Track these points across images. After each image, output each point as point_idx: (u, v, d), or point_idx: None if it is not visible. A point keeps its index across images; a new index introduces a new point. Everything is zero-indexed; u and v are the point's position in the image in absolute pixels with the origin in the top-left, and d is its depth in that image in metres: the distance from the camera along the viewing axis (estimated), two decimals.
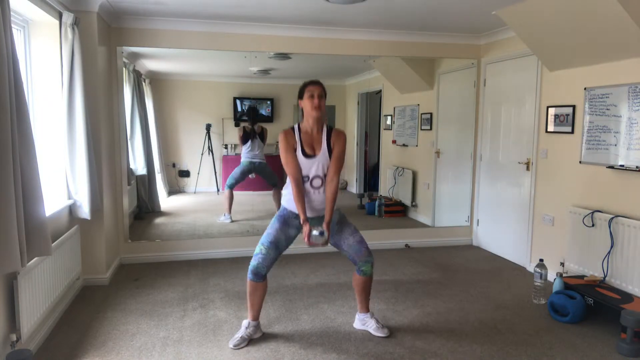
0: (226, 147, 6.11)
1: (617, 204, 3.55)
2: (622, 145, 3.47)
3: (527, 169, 4.48)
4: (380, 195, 6.52)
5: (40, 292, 2.88)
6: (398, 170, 6.28)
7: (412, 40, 4.91)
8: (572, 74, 3.95)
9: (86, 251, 3.86)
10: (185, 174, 6.10)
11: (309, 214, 2.84)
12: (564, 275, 3.68)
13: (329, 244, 2.94)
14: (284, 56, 5.03)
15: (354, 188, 6.85)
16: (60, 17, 3.41)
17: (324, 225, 2.81)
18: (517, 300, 3.72)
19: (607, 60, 3.59)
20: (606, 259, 3.55)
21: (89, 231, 3.87)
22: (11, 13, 2.40)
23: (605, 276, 3.56)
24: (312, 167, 2.84)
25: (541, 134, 4.30)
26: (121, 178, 4.49)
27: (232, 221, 5.58)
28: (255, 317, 3.02)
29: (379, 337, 3.03)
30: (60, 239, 3.23)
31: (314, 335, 3.07)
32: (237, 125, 5.83)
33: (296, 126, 2.89)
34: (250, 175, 5.65)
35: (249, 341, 2.95)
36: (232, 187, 5.58)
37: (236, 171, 5.61)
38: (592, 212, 3.68)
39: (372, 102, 6.58)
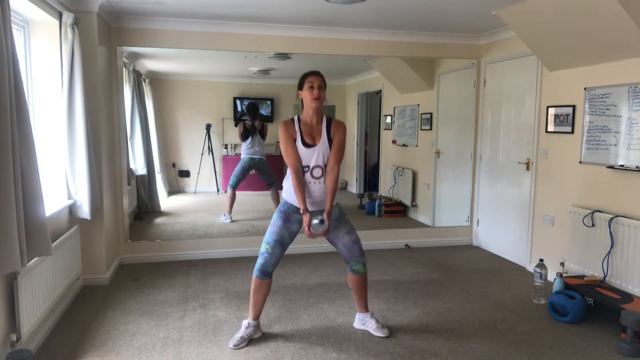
0: (226, 147, 6.11)
1: (617, 204, 3.55)
2: (622, 145, 3.47)
3: (527, 169, 4.48)
4: (380, 195, 6.52)
5: (40, 292, 2.88)
6: (398, 170, 6.28)
7: (412, 40, 4.91)
8: (572, 74, 3.95)
9: (86, 251, 3.86)
10: (185, 174, 6.10)
11: (309, 208, 2.83)
12: (564, 275, 3.68)
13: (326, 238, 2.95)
14: (284, 56, 5.03)
15: (354, 188, 6.85)
16: (60, 17, 3.41)
17: (325, 215, 2.80)
18: (517, 300, 3.72)
19: (607, 60, 3.59)
20: (606, 259, 3.55)
21: (89, 231, 3.87)
22: (11, 13, 2.40)
23: (605, 276, 3.56)
24: (312, 156, 2.83)
25: (541, 134, 4.30)
26: (121, 178, 4.49)
27: (232, 221, 5.58)
28: (256, 317, 3.02)
29: (379, 337, 3.03)
30: (60, 239, 3.23)
31: (314, 335, 3.07)
32: (237, 125, 5.83)
33: (296, 117, 2.90)
34: (250, 171, 5.65)
35: (249, 341, 2.95)
36: (235, 187, 5.58)
37: (237, 169, 5.60)
38: (592, 212, 3.68)
39: (372, 102, 6.58)
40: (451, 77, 5.47)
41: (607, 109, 3.59)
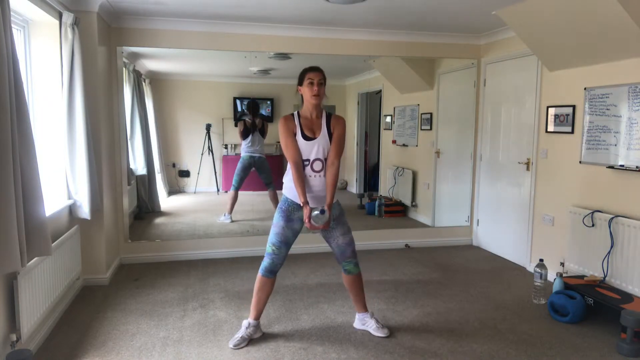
0: (226, 147, 6.11)
1: (617, 204, 3.55)
2: (622, 145, 3.47)
3: (527, 169, 4.48)
4: (380, 195, 6.52)
5: (40, 292, 2.88)
6: (398, 170, 6.28)
7: (412, 40, 4.91)
8: (572, 74, 3.95)
9: (86, 251, 3.86)
10: (185, 174, 6.10)
11: (310, 204, 2.83)
12: (564, 275, 3.68)
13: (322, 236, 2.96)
14: (284, 56, 5.03)
15: (354, 188, 6.85)
16: (60, 17, 3.41)
17: (325, 207, 2.80)
18: (517, 300, 3.72)
19: (607, 60, 3.59)
20: (606, 259, 3.55)
21: (89, 231, 3.87)
22: (11, 13, 2.40)
23: (605, 276, 3.56)
24: (312, 149, 2.84)
25: (541, 134, 4.30)
26: (121, 178, 4.49)
27: (232, 221, 5.58)
28: (257, 317, 3.02)
29: (379, 337, 3.03)
30: (60, 239, 3.23)
31: (314, 335, 3.07)
32: (237, 124, 5.83)
33: (296, 113, 2.91)
34: (250, 170, 5.64)
35: (249, 341, 2.95)
36: (238, 188, 5.58)
37: (238, 169, 5.60)
38: (592, 212, 3.68)
39: (372, 102, 6.58)
40: (451, 77, 5.47)
41: (607, 109, 3.59)
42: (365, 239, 5.10)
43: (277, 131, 2.91)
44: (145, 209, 5.66)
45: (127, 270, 4.35)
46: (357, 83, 6.54)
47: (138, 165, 5.38)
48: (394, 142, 6.34)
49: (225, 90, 6.05)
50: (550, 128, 4.18)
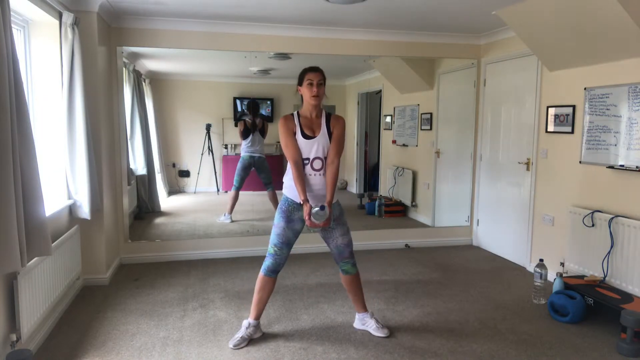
0: (226, 147, 6.11)
1: (617, 204, 3.55)
2: (622, 145, 3.47)
3: (527, 169, 4.48)
4: (380, 195, 6.52)
5: (40, 292, 2.88)
6: (398, 170, 6.28)
7: (412, 40, 4.91)
8: (572, 74, 3.95)
9: (86, 251, 3.86)
10: (185, 174, 6.10)
11: (310, 203, 2.83)
12: (564, 275, 3.68)
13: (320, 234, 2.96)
14: (284, 56, 5.03)
15: (354, 188, 6.85)
16: (60, 17, 3.41)
17: (325, 204, 2.80)
18: (517, 300, 3.72)
19: (607, 60, 3.59)
20: (606, 259, 3.55)
21: (89, 231, 3.87)
22: (11, 13, 2.40)
23: (605, 276, 3.55)
24: (312, 148, 2.85)
25: (541, 134, 4.30)
26: (121, 178, 4.49)
27: (232, 221, 5.58)
28: (257, 317, 3.02)
29: (379, 337, 3.03)
30: (60, 239, 3.23)
31: (314, 335, 3.07)
32: (237, 125, 5.83)
33: (295, 112, 2.92)
34: (250, 169, 5.65)
35: (249, 341, 2.95)
36: (239, 188, 5.58)
37: (238, 169, 5.60)
38: (592, 212, 3.68)
39: (372, 102, 6.58)
40: (451, 77, 5.47)
41: (607, 109, 3.59)
42: (365, 239, 5.10)
43: (277, 131, 2.91)
44: (145, 209, 5.65)
45: (127, 270, 4.35)
46: (357, 83, 6.54)
47: (138, 165, 5.38)
48: (394, 142, 6.34)
49: (225, 90, 6.05)
50: (550, 128, 4.18)
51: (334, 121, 2.91)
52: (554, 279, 3.58)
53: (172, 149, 6.05)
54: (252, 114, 5.63)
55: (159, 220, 5.66)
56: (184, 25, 4.37)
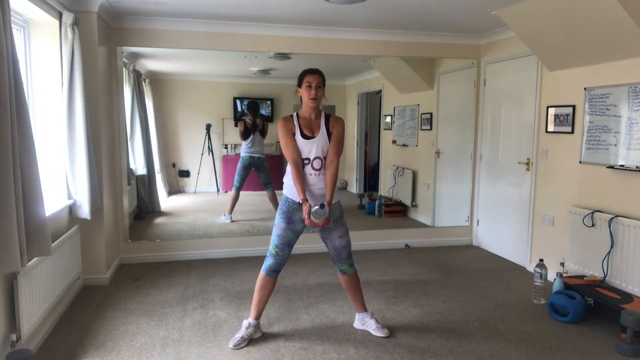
0: (226, 147, 6.11)
1: (617, 204, 3.55)
2: (622, 145, 3.47)
3: (527, 169, 4.48)
4: (380, 195, 6.52)
5: (40, 292, 2.88)
6: (398, 170, 6.28)
7: (412, 40, 4.91)
8: (572, 74, 3.95)
9: (86, 251, 3.86)
10: (185, 174, 6.10)
11: (309, 203, 2.83)
12: (564, 275, 3.68)
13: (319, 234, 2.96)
14: (284, 56, 5.03)
15: (354, 188, 6.85)
16: (60, 17, 3.41)
17: (326, 203, 2.80)
18: (517, 300, 3.72)
19: (607, 60, 3.59)
20: (606, 259, 3.55)
21: (89, 231, 3.87)
22: (11, 13, 2.40)
23: (605, 276, 3.55)
24: (312, 148, 2.86)
25: (541, 134, 4.30)
26: (121, 178, 4.49)
27: (232, 221, 5.58)
28: (257, 317, 3.02)
29: (379, 337, 3.03)
30: (60, 239, 3.23)
31: (314, 335, 3.07)
32: (237, 125, 5.83)
33: (295, 114, 2.93)
34: (250, 169, 5.65)
35: (249, 341, 2.95)
36: (240, 188, 5.58)
37: (239, 169, 5.60)
38: (592, 212, 3.68)
39: (372, 102, 6.58)
40: (451, 77, 5.47)
41: (607, 109, 3.59)
42: (365, 239, 5.10)
43: (277, 131, 2.92)
44: (145, 209, 5.66)
45: (127, 270, 4.35)
46: (357, 83, 6.55)
47: (138, 165, 5.38)
48: (394, 142, 6.34)
49: (225, 90, 6.06)
50: (550, 128, 4.18)
51: (333, 122, 2.92)
52: (554, 279, 3.58)
53: (172, 149, 6.05)
54: (252, 114, 5.63)
55: (159, 220, 5.66)
56: (184, 25, 4.37)
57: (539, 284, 3.68)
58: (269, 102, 6.13)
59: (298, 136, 2.86)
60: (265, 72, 5.77)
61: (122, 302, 3.59)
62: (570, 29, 3.59)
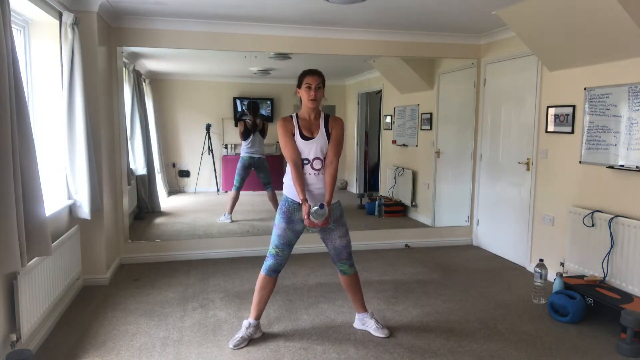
0: (226, 147, 6.11)
1: (617, 204, 3.55)
2: (622, 145, 3.47)
3: (527, 169, 4.48)
4: (380, 195, 6.52)
5: (40, 292, 2.88)
6: (398, 170, 6.28)
7: (412, 40, 4.91)
8: (572, 74, 3.95)
9: (86, 251, 3.86)
10: (185, 174, 6.10)
11: (309, 203, 2.83)
12: (564, 275, 3.68)
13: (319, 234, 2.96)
14: (284, 56, 5.03)
15: (354, 188, 6.85)
16: (60, 17, 3.41)
17: (325, 204, 2.80)
18: (517, 300, 3.72)
19: (607, 60, 3.59)
20: (606, 259, 3.55)
21: (89, 231, 3.87)
22: (11, 13, 2.40)
23: (605, 276, 3.55)
24: (311, 149, 2.86)
25: (541, 134, 4.30)
26: (121, 178, 4.49)
27: (232, 221, 5.58)
28: (258, 317, 3.02)
29: (379, 337, 3.03)
30: (60, 239, 3.23)
31: (314, 335, 3.07)
32: (237, 125, 5.83)
33: (294, 114, 2.93)
34: (250, 169, 5.65)
35: (249, 341, 2.95)
36: (239, 188, 5.58)
37: (239, 169, 5.60)
38: (592, 212, 3.68)
39: (372, 102, 6.58)
40: (451, 77, 5.47)
41: (607, 109, 3.59)
42: (365, 239, 5.10)
43: (277, 131, 2.92)
44: (145, 209, 5.66)
45: (127, 270, 4.35)
46: (357, 83, 6.55)
47: (138, 165, 5.38)
48: (394, 142, 6.34)
49: (225, 90, 6.06)
50: (550, 128, 4.18)
51: (332, 122, 2.93)
52: (554, 279, 3.58)
53: (172, 149, 6.05)
54: (252, 115, 5.64)
55: (159, 220, 5.66)
56: (184, 25, 4.37)
57: (539, 284, 3.68)
58: (269, 102, 6.13)
59: (297, 137, 2.86)
60: (265, 72, 5.77)
61: (122, 302, 3.59)
62: (570, 29, 3.59)
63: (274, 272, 2.97)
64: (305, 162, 2.87)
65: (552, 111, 4.16)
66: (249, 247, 4.82)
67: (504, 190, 4.85)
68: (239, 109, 6.05)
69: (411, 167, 6.06)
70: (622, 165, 3.46)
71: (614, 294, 3.30)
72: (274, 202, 5.57)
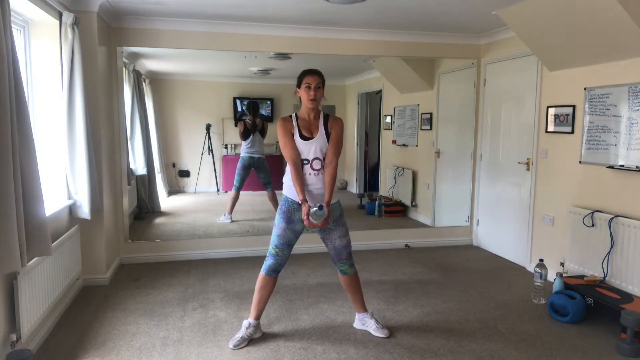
0: (226, 147, 6.11)
1: (617, 204, 3.55)
2: (622, 145, 3.47)
3: (527, 169, 4.48)
4: (380, 195, 6.52)
5: (40, 292, 2.88)
6: (398, 170, 6.28)
7: (412, 40, 4.91)
8: (572, 74, 3.95)
9: (86, 251, 3.86)
10: (185, 174, 6.11)
11: (309, 203, 2.83)
12: (564, 275, 3.68)
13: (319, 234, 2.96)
14: (284, 56, 5.03)
15: (354, 188, 6.85)
16: (60, 17, 3.41)
17: (324, 204, 2.80)
18: (517, 300, 3.72)
19: (607, 60, 3.59)
20: (606, 259, 3.55)
21: (89, 231, 3.87)
22: (11, 13, 2.40)
23: (605, 276, 3.56)
24: (310, 149, 2.86)
25: (541, 134, 4.30)
26: (121, 178, 4.49)
27: (232, 221, 5.59)
28: (258, 317, 3.02)
29: (379, 337, 3.03)
30: (60, 239, 3.23)
31: (314, 335, 3.07)
32: (237, 125, 5.84)
33: (294, 114, 2.93)
34: (250, 169, 5.65)
35: (249, 341, 2.95)
36: (239, 188, 5.58)
37: (239, 169, 5.60)
38: (592, 212, 3.68)
39: (372, 102, 6.58)
40: (451, 77, 5.47)
41: (607, 109, 3.59)
42: (365, 239, 5.10)
43: (277, 131, 2.92)
44: (145, 209, 5.66)
45: (127, 270, 4.35)
46: (357, 83, 6.55)
47: (138, 165, 5.38)
48: (394, 142, 6.34)
49: (225, 90, 6.06)
50: (550, 128, 4.18)
51: (331, 122, 2.93)
52: (554, 279, 3.58)
53: (172, 149, 6.05)
54: (252, 115, 5.64)
55: (159, 220, 5.66)
56: (184, 25, 4.37)
57: (539, 284, 3.68)
58: (268, 102, 6.13)
59: (297, 137, 2.86)
60: (265, 72, 5.77)
61: (122, 302, 3.59)
62: (570, 29, 3.59)
63: (274, 272, 2.97)
64: (305, 162, 2.87)
65: (552, 111, 4.16)
66: (249, 247, 4.82)
67: (504, 190, 4.85)
68: (239, 109, 6.05)
69: (411, 167, 6.06)
70: (622, 165, 3.46)
71: (614, 294, 3.30)
72: (274, 202, 5.57)
